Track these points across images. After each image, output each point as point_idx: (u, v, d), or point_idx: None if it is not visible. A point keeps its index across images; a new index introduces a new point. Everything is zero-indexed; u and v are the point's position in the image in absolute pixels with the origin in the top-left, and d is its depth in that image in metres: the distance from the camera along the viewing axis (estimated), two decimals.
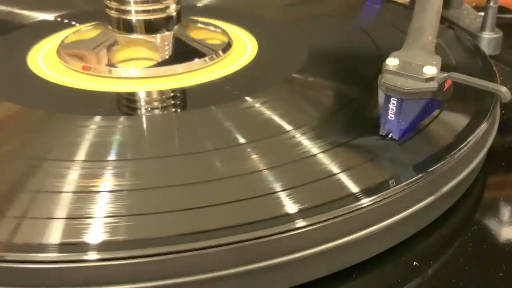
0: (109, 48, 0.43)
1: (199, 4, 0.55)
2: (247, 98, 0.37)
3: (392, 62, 0.32)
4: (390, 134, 0.32)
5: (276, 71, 0.42)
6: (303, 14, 0.53)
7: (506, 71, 0.49)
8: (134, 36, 0.43)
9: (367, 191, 0.28)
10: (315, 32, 0.48)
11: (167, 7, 0.43)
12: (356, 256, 0.29)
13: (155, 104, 0.39)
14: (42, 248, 0.25)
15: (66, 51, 0.43)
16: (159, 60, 0.42)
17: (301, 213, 0.27)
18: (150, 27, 0.43)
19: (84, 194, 0.28)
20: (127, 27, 0.43)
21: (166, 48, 0.44)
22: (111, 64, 0.42)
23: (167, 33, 0.44)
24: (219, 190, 0.29)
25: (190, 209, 0.27)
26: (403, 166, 0.31)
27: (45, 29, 0.49)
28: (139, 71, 0.41)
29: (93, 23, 0.48)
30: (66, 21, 0.50)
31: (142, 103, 0.39)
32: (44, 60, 0.43)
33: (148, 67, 0.42)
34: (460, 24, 0.53)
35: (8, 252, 0.25)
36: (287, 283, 0.27)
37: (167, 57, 0.43)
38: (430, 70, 0.31)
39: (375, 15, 0.55)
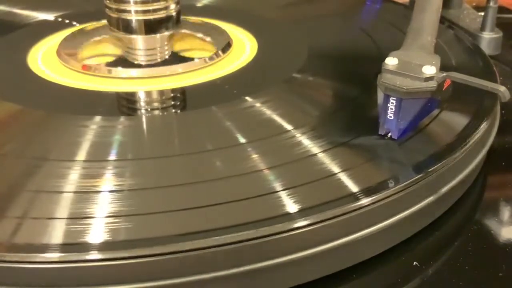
0: (101, 46, 0.44)
1: (199, 4, 0.55)
2: (247, 98, 0.37)
3: (391, 61, 0.32)
4: (389, 134, 0.32)
5: (276, 71, 0.42)
6: (303, 14, 0.53)
7: (506, 71, 0.49)
8: (134, 36, 0.43)
9: (367, 191, 0.28)
10: (315, 32, 0.48)
11: (167, 7, 0.43)
12: (356, 256, 0.29)
13: (155, 104, 0.39)
14: (43, 248, 0.25)
15: (66, 51, 0.44)
16: (159, 60, 0.43)
17: (301, 213, 0.27)
18: (150, 27, 0.43)
19: (84, 194, 0.28)
20: (127, 27, 0.43)
21: (166, 48, 0.44)
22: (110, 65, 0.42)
23: (167, 33, 0.44)
24: (219, 190, 0.29)
25: (190, 209, 0.27)
26: (403, 166, 0.31)
27: (45, 29, 0.49)
28: (139, 71, 0.41)
29: (93, 23, 0.48)
30: (66, 21, 0.50)
31: (142, 103, 0.39)
32: (44, 60, 0.43)
33: (148, 67, 0.42)
34: (460, 24, 0.53)
35: (8, 252, 0.25)
36: (287, 283, 0.28)
37: (166, 57, 0.43)
38: (429, 70, 0.31)
39: (375, 15, 0.55)
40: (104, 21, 0.45)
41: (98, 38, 0.45)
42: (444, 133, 0.34)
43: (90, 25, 0.48)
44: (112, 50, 0.43)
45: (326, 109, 0.37)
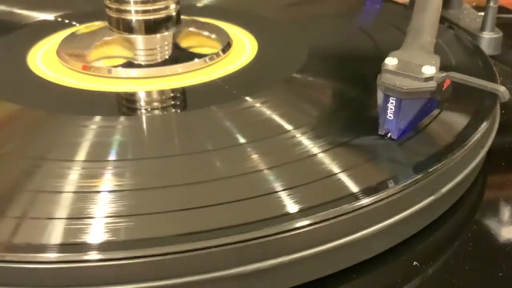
0: (109, 48, 0.44)
1: (199, 4, 0.55)
2: (247, 98, 0.37)
3: (391, 61, 0.32)
4: (389, 134, 0.32)
5: (276, 71, 0.42)
6: (303, 14, 0.53)
7: (506, 71, 0.49)
8: (134, 36, 0.43)
9: (367, 191, 0.28)
10: (315, 32, 0.48)
11: (167, 7, 0.43)
12: (356, 256, 0.29)
13: (155, 104, 0.39)
14: (43, 248, 0.25)
15: (66, 51, 0.44)
16: (159, 60, 0.43)
17: (301, 213, 0.27)
18: (150, 27, 0.43)
19: (84, 194, 0.28)
20: (127, 27, 0.43)
21: (166, 48, 0.44)
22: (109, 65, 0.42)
23: (167, 33, 0.44)
24: (219, 190, 0.29)
25: (190, 209, 0.27)
26: (403, 166, 0.31)
27: (45, 29, 0.49)
28: (139, 71, 0.41)
29: (93, 23, 0.48)
30: (66, 21, 0.50)
31: (142, 103, 0.39)
32: (44, 60, 0.43)
33: (148, 67, 0.42)
34: (460, 24, 0.53)
35: (8, 252, 0.25)
36: (287, 283, 0.28)
37: (167, 57, 0.43)
38: (429, 70, 0.31)
39: (375, 15, 0.55)
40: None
41: (107, 38, 0.44)
42: (444, 133, 0.34)
43: (90, 25, 0.48)
44: (120, 52, 0.43)
45: (326, 109, 0.37)
